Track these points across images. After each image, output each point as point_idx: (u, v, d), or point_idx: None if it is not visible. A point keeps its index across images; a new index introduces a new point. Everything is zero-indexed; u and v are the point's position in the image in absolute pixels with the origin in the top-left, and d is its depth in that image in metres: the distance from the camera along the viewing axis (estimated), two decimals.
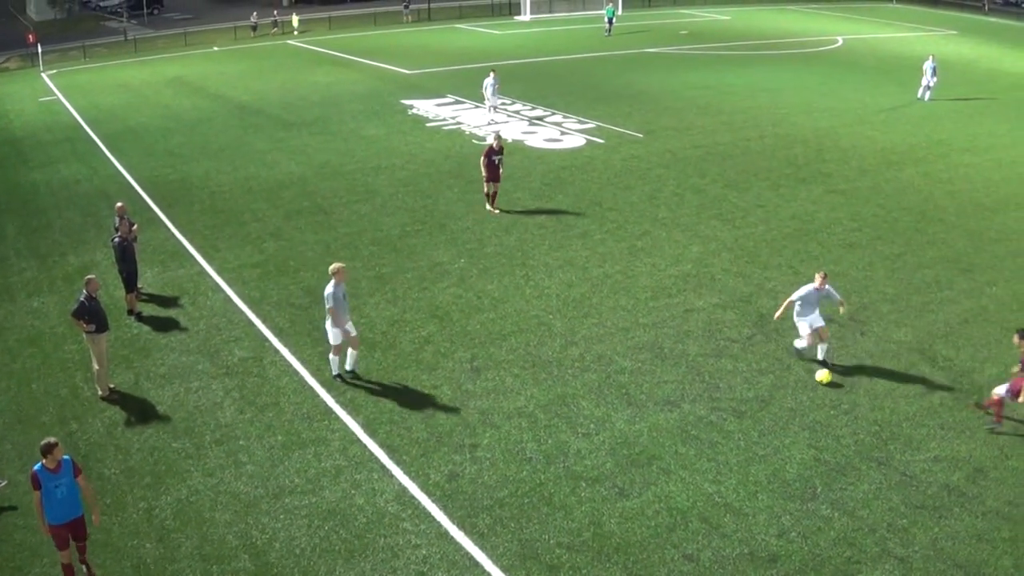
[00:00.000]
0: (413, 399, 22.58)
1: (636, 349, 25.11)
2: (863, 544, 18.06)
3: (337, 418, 21.76)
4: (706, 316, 27.08)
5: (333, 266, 22.83)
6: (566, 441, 20.98)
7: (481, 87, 49.42)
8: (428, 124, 47.41)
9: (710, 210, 35.47)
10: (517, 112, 50.49)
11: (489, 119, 48.66)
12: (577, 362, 24.43)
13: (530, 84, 56.81)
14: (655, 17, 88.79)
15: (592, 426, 21.55)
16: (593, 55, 68.89)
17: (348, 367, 23.59)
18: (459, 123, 48.08)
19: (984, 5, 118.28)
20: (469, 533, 18.09)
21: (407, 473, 19.80)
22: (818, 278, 23.71)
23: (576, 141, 44.81)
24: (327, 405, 22.26)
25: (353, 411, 21.95)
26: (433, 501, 18.97)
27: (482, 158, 34.85)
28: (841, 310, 24.46)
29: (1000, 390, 21.34)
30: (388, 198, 36.43)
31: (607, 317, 26.84)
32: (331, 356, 23.47)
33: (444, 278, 29.17)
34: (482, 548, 17.68)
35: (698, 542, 17.92)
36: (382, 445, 20.71)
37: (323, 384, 23.12)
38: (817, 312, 23.88)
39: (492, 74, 49.02)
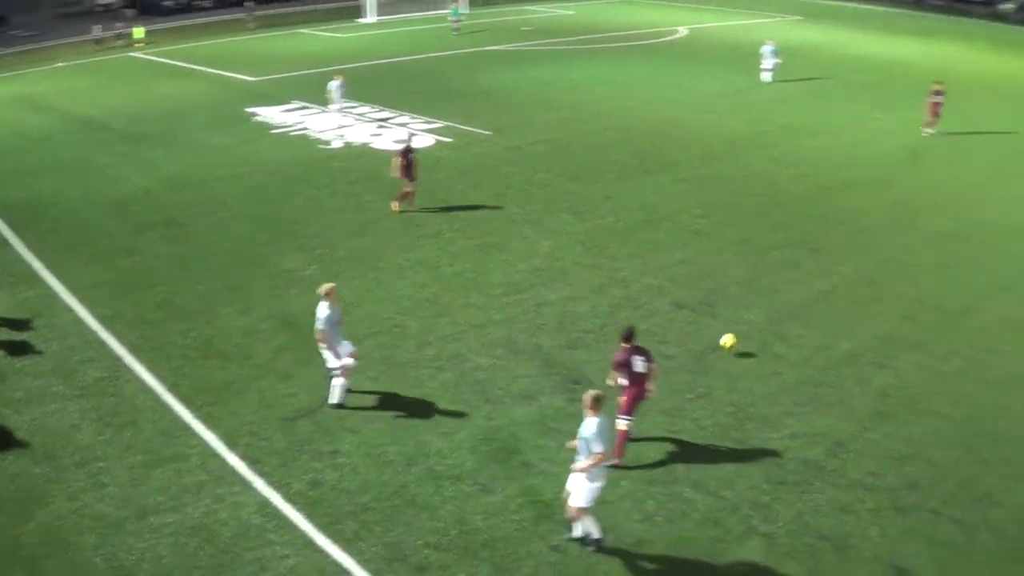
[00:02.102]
0: (271, 409, 22.93)
1: (491, 345, 25.88)
2: (728, 523, 19.20)
3: (195, 433, 21.98)
4: (559, 309, 27.93)
5: (323, 287, 22.68)
6: (426, 441, 21.62)
7: (326, 91, 49.48)
8: (273, 131, 47.44)
9: (559, 204, 36.39)
10: (364, 115, 50.74)
11: (337, 123, 48.81)
12: (433, 362, 25.11)
13: (376, 86, 57.07)
14: (500, 14, 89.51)
15: (451, 425, 22.24)
16: (439, 55, 69.40)
17: (335, 400, 23.05)
18: (304, 128, 48.19)
19: None
20: (335, 540, 18.56)
21: (269, 484, 20.19)
22: None
23: (425, 141, 45.23)
24: (184, 421, 22.46)
25: (212, 425, 22.21)
26: (297, 510, 19.39)
27: (399, 158, 35.15)
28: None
29: None
30: (238, 207, 36.52)
31: (461, 315, 27.50)
32: (335, 381, 22.90)
33: (296, 284, 29.47)
34: (349, 554, 18.20)
35: (564, 533, 18.68)
36: (242, 457, 21.04)
37: (180, 400, 23.29)
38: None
39: (338, 78, 49.13)
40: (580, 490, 17.56)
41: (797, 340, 26.58)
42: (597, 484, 17.61)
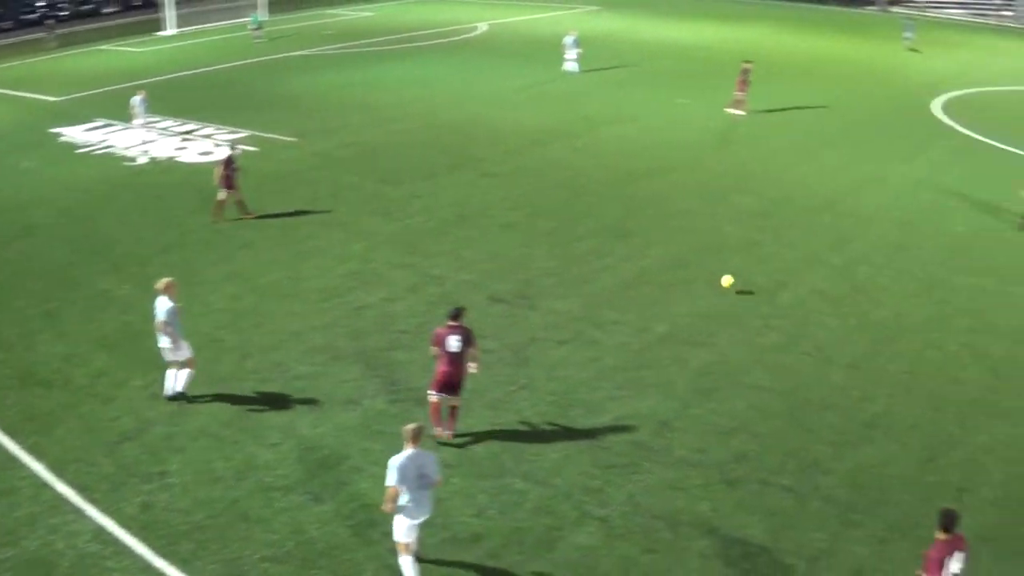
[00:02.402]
0: (96, 434, 22.01)
1: (312, 352, 25.39)
2: (561, 510, 19.19)
3: (24, 465, 20.95)
4: (377, 311, 27.61)
5: (161, 282, 22.55)
6: (254, 454, 21.08)
7: (129, 107, 48.12)
8: (78, 151, 45.89)
9: (369, 206, 36.00)
10: (167, 129, 49.51)
11: (141, 139, 47.54)
12: (254, 374, 24.50)
13: (180, 99, 55.71)
14: (301, 20, 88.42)
15: (277, 436, 21.73)
16: (242, 63, 68.12)
17: (180, 388, 22.96)
18: (110, 146, 46.73)
19: None
20: (173, 561, 17.93)
21: (102, 510, 19.36)
22: None
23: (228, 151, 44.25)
24: (12, 453, 21.37)
25: (38, 455, 21.21)
26: (132, 535, 18.64)
27: (220, 168, 34.30)
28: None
29: None
30: (49, 230, 35.11)
31: (279, 324, 26.92)
32: (179, 372, 22.97)
33: (111, 306, 28.45)
34: (188, 574, 17.60)
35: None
36: (72, 485, 20.14)
37: (5, 431, 22.14)
38: None
39: (140, 93, 47.86)
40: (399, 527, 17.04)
41: (613, 325, 26.78)
42: (414, 521, 16.94)
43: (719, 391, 23.55)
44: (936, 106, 57.18)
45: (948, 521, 15.08)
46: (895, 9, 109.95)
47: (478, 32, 79.31)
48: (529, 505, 19.26)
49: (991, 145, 48.61)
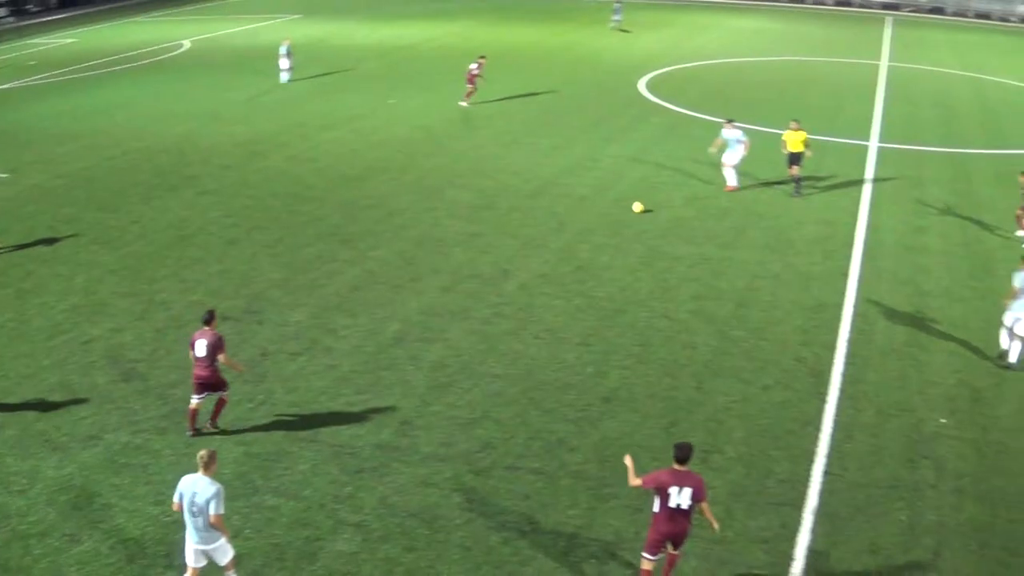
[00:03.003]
0: None
1: (46, 392, 23.95)
2: (317, 521, 18.80)
3: None
4: (105, 343, 26.37)
5: None
6: (3, 503, 19.73)
7: None
8: None
9: (88, 236, 34.41)
10: None
11: None
12: None
13: None
14: (1, 52, 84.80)
15: (24, 481, 20.42)
16: None
17: None
18: None
19: None
20: None
21: None
22: None
23: None
24: None
25: None
26: None
27: None
28: None
29: None
30: None
31: (9, 368, 25.36)
32: None
33: None
34: None
35: (160, 566, 17.67)
36: None
37: None
38: None
39: None
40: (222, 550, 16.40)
41: (345, 331, 26.43)
42: (191, 545, 16.33)
43: (456, 384, 23.56)
44: (642, 85, 58.89)
45: (682, 454, 16.19)
46: None
47: (183, 49, 77.43)
48: (284, 520, 18.76)
49: (694, 117, 50.44)
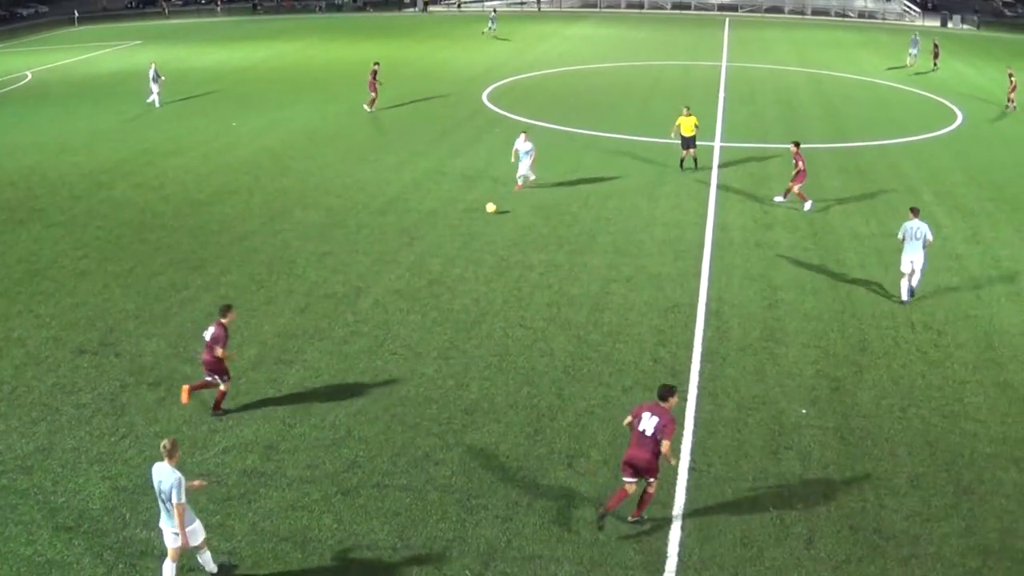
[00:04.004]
0: None
1: None
2: (188, 551, 17.95)
3: None
4: None
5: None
6: None
7: None
8: None
9: None
10: None
11: None
12: None
13: None
14: None
15: None
16: None
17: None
18: None
19: (164, 11, 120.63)
20: None
21: None
22: None
23: None
24: None
25: None
26: None
27: None
28: None
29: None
30: None
31: None
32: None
33: None
34: None
35: None
36: None
37: None
38: None
39: None
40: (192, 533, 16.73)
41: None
42: (195, 522, 16.85)
43: (318, 405, 23.12)
44: (485, 96, 59.03)
45: (663, 391, 18.35)
46: (435, 8, 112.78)
47: (26, 81, 75.33)
48: (156, 552, 17.96)
49: (538, 126, 50.64)
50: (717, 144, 48.47)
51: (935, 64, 76.90)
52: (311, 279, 30.63)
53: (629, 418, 18.47)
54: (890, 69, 77.40)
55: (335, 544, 18.22)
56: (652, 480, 18.23)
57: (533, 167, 39.49)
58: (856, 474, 20.64)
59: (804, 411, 22.94)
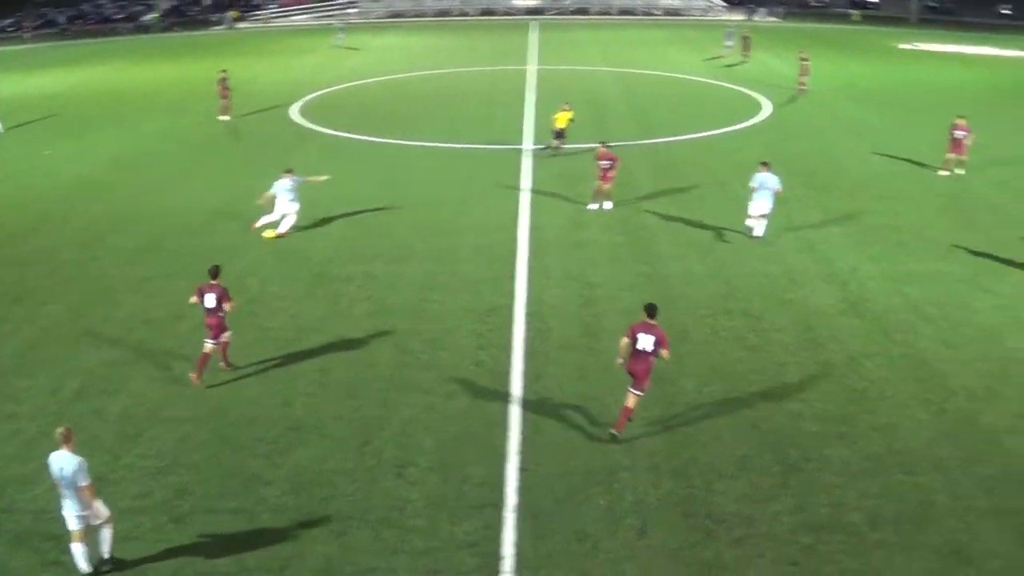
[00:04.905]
0: None
1: None
2: None
3: None
4: None
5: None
6: None
7: None
8: None
9: None
10: None
11: None
12: None
13: None
14: None
15: None
16: None
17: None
18: None
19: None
20: None
21: None
22: None
23: None
24: None
25: None
26: None
27: None
28: None
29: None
30: None
31: None
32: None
33: None
34: None
35: None
36: None
37: None
38: None
39: None
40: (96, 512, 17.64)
41: (26, 392, 24.70)
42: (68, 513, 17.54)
43: (144, 433, 22.54)
44: (295, 112, 58.54)
45: (651, 310, 21.64)
46: (243, 25, 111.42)
47: None
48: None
49: (350, 139, 50.55)
50: (528, 147, 48.92)
51: (745, 56, 79.12)
52: (130, 306, 29.88)
53: (625, 339, 21.33)
54: (707, 60, 79.93)
55: (170, 574, 17.85)
56: (640, 393, 21.56)
57: (294, 209, 36.39)
58: (684, 461, 21.13)
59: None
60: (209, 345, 24.58)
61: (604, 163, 37.66)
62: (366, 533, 18.75)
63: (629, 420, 21.79)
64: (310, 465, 21.07)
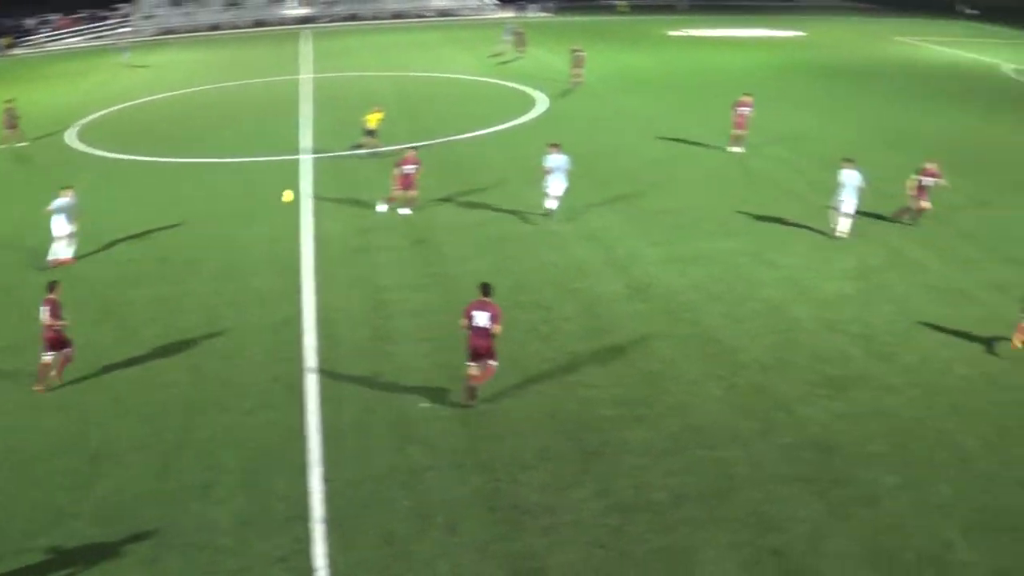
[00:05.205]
0: None
1: None
2: None
3: None
4: None
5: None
6: None
7: None
8: None
9: None
10: None
11: None
12: None
13: None
14: None
15: None
16: None
17: None
18: None
19: None
20: None
21: None
22: None
23: None
24: None
25: None
26: None
27: None
28: None
29: None
30: None
31: None
32: None
33: None
34: None
35: None
36: None
37: None
38: None
39: None
40: None
41: None
42: None
43: None
44: (72, 136, 56.71)
45: (485, 289, 23.58)
46: (16, 52, 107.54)
47: None
48: None
49: (131, 160, 49.38)
50: (306, 157, 48.72)
51: (520, 52, 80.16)
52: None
53: (464, 320, 23.08)
54: (489, 59, 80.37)
55: None
56: (492, 362, 23.39)
57: (70, 231, 35.18)
58: (485, 456, 21.71)
59: (425, 404, 23.73)
60: (47, 358, 25.17)
61: (410, 168, 37.75)
62: (177, 558, 18.74)
63: (477, 384, 23.70)
64: (112, 495, 20.79)
